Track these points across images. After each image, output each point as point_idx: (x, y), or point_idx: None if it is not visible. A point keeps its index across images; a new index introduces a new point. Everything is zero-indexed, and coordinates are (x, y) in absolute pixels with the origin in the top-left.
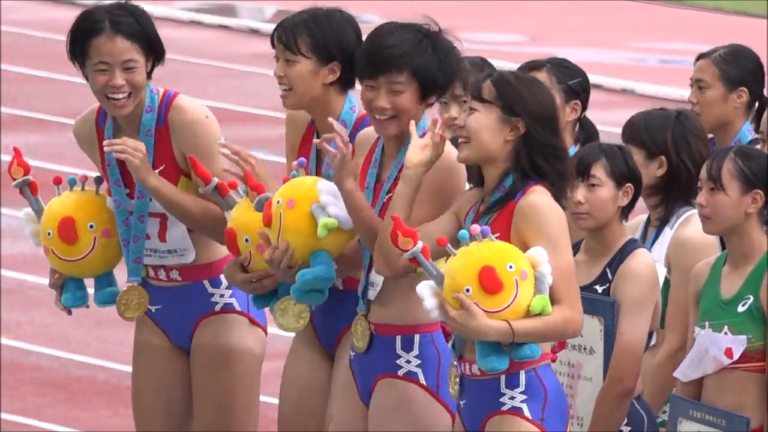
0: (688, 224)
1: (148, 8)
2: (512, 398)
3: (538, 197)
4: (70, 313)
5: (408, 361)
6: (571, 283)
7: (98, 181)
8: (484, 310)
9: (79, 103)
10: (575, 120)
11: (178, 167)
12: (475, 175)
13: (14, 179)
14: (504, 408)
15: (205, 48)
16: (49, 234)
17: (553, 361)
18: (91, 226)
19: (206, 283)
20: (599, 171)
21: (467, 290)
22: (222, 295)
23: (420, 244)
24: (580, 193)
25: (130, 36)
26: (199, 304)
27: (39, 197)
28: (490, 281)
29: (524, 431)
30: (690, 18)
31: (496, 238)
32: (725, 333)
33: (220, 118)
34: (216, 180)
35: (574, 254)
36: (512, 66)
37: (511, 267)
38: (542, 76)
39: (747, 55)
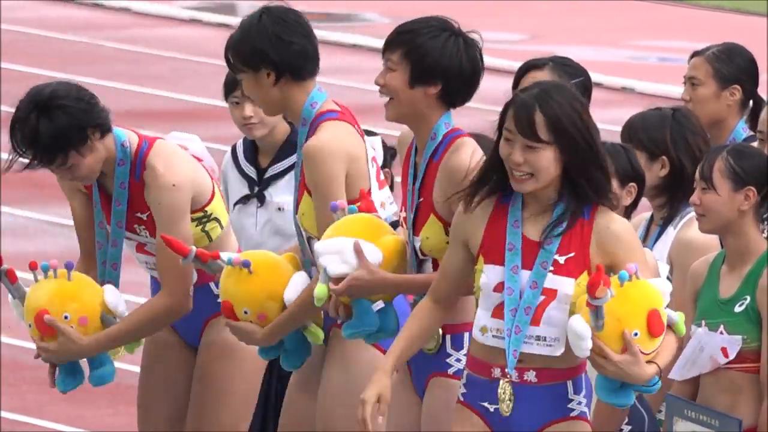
0: (692, 225)
1: (150, 7)
2: (579, 403)
3: (619, 220)
4: (64, 392)
5: (458, 360)
6: None
7: (69, 266)
8: (642, 353)
9: None
10: None
11: None
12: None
13: None
14: (573, 414)
15: (206, 46)
16: (29, 326)
17: None
18: (66, 317)
19: (212, 285)
20: None
21: (635, 334)
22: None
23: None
24: None
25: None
26: (207, 305)
27: (19, 283)
28: (657, 325)
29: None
30: (690, 16)
31: (572, 256)
32: (721, 333)
33: (219, 115)
34: (194, 249)
35: None
36: (515, 64)
37: (666, 308)
38: (544, 74)
39: (740, 53)
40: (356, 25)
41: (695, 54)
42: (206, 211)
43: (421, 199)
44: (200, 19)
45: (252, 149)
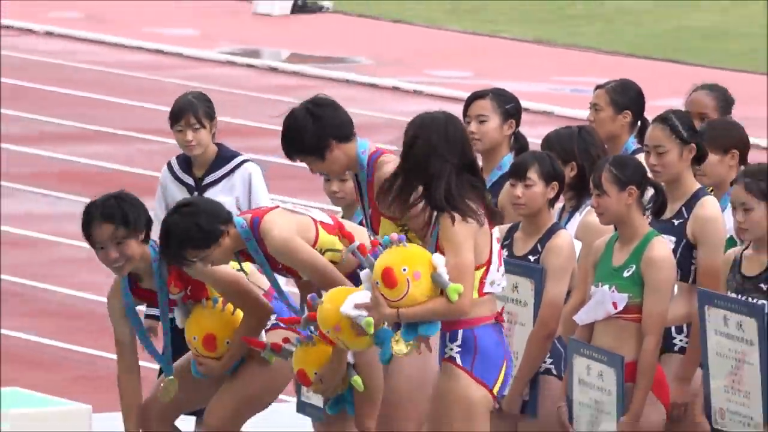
0: (592, 212)
1: (197, 52)
2: (451, 349)
3: (443, 224)
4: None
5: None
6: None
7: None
8: (386, 299)
9: (139, 121)
10: (511, 134)
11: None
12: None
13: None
14: (444, 356)
15: (238, 81)
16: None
17: (498, 321)
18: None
19: None
20: (533, 174)
21: (377, 283)
22: (270, 320)
23: (357, 242)
24: (519, 190)
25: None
26: None
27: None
28: (387, 280)
29: (452, 374)
30: (595, 59)
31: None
32: (613, 291)
33: (249, 132)
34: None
35: (514, 232)
36: (464, 94)
37: (404, 270)
38: (486, 102)
39: (632, 86)
40: (348, 65)
41: (598, 87)
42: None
43: (370, 209)
44: (233, 61)
45: (186, 163)
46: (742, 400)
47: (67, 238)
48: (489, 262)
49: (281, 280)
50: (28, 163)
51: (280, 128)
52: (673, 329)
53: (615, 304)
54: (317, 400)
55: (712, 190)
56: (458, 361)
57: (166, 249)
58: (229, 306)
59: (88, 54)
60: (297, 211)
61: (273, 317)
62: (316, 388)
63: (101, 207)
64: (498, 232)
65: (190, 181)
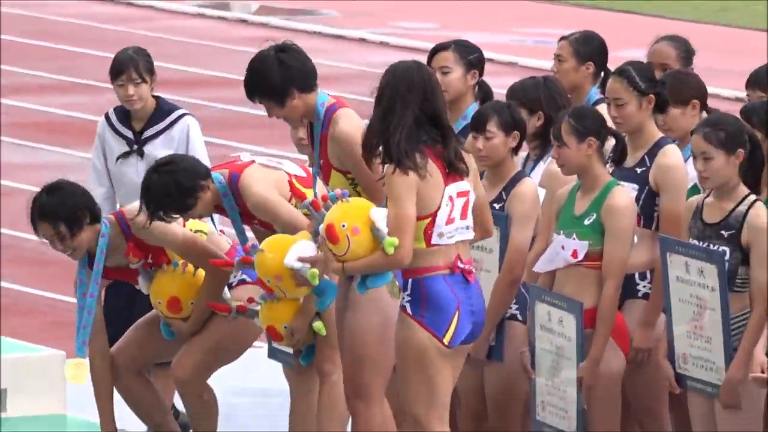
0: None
1: (167, 5)
2: (403, 299)
3: (388, 178)
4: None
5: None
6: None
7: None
8: (333, 254)
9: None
10: (475, 84)
11: None
12: None
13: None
14: (400, 305)
15: (207, 33)
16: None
17: (452, 272)
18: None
19: None
20: (492, 126)
21: (323, 239)
22: (235, 276)
23: (310, 199)
24: (480, 143)
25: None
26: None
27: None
28: (329, 235)
29: (404, 323)
30: (559, 11)
31: None
32: (574, 239)
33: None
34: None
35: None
36: (428, 45)
37: (344, 226)
38: (449, 54)
39: (594, 37)
40: (316, 17)
41: (562, 38)
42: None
43: (322, 161)
44: (203, 13)
45: (124, 115)
46: (704, 345)
47: None
48: (434, 215)
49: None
50: (5, 113)
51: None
52: (636, 275)
53: (575, 252)
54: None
55: (676, 141)
56: (408, 309)
57: (147, 208)
58: (190, 268)
59: (62, 7)
60: (272, 166)
61: (239, 274)
62: (287, 342)
63: (39, 207)
64: (469, 184)
65: (129, 134)
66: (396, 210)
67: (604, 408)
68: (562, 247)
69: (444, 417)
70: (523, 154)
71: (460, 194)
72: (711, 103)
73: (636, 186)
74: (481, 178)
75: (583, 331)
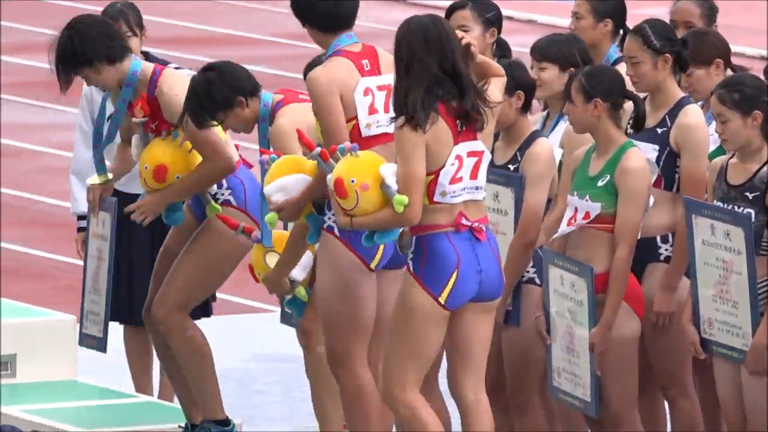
0: None
1: None
2: (407, 255)
3: (396, 133)
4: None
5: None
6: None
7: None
8: (342, 208)
9: None
10: (493, 42)
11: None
12: None
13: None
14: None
15: None
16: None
17: (458, 231)
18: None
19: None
20: None
21: (332, 192)
22: (222, 194)
23: (319, 149)
24: None
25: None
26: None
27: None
28: (338, 190)
29: (406, 279)
30: None
31: None
32: (587, 200)
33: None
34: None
35: (495, 142)
36: (445, 4)
37: (353, 181)
38: (466, 12)
39: None
40: None
41: None
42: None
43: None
44: None
45: None
46: (730, 310)
47: (53, 148)
48: (437, 173)
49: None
50: (13, 72)
51: (267, 36)
52: (658, 238)
53: (587, 215)
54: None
55: (700, 102)
56: (411, 267)
57: (186, 105)
58: (187, 143)
59: None
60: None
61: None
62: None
63: (57, 49)
64: (482, 145)
65: None
66: (405, 168)
67: (617, 374)
68: (575, 209)
69: (421, 372)
70: (543, 113)
71: (471, 154)
72: (736, 62)
73: (656, 147)
74: (497, 139)
75: (595, 296)
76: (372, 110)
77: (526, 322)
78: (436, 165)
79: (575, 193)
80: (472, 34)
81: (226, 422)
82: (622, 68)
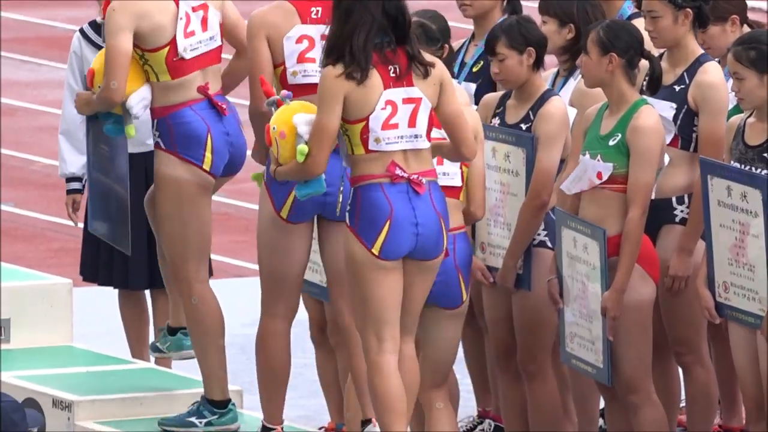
0: None
1: None
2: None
3: None
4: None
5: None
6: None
7: None
8: (275, 157)
9: None
10: None
11: None
12: None
13: None
14: None
15: None
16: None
17: (393, 182)
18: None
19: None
20: (501, 48)
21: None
22: (155, 134)
23: (275, 97)
24: (495, 67)
25: None
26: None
27: None
28: (266, 138)
29: (345, 232)
30: None
31: None
32: (598, 160)
33: None
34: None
35: (507, 100)
36: None
37: (273, 128)
38: None
39: None
40: None
41: None
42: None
43: None
44: None
45: (100, 28)
46: (746, 274)
47: (48, 107)
48: (367, 119)
49: None
50: (9, 28)
51: None
52: (673, 199)
53: (600, 174)
54: (315, 277)
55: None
56: (347, 218)
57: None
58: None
59: None
60: None
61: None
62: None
63: None
64: (419, 92)
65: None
66: (317, 117)
67: (631, 339)
68: (586, 168)
69: (381, 332)
70: (553, 69)
71: (407, 101)
72: (753, 18)
73: (674, 105)
74: (509, 98)
75: (608, 258)
76: (302, 59)
77: (537, 287)
78: (365, 111)
79: (587, 152)
80: None
81: (223, 404)
82: (639, 24)
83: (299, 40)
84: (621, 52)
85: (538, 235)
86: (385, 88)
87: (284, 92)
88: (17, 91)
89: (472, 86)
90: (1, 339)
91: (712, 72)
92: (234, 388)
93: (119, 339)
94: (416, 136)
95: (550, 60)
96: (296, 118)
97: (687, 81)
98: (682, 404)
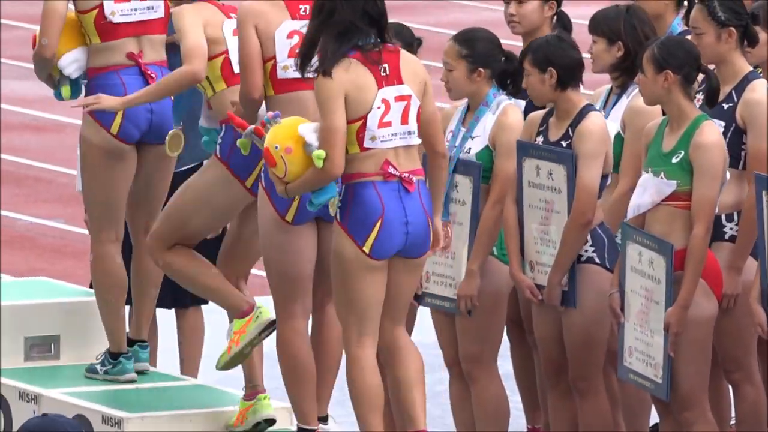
0: (640, 95)
1: None
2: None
3: None
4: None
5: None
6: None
7: None
8: (279, 178)
9: None
10: (552, 15)
11: None
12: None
13: None
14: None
15: None
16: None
17: (385, 180)
18: None
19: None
20: (527, 64)
21: (267, 166)
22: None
23: (252, 127)
24: (524, 82)
25: None
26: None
27: None
28: (268, 160)
29: (335, 228)
30: None
31: None
32: (661, 178)
33: None
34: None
35: (550, 118)
36: None
37: (276, 147)
38: None
39: None
40: None
41: None
42: None
43: None
44: None
45: None
46: None
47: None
48: (365, 117)
49: None
50: None
51: None
52: (723, 217)
53: (663, 192)
54: None
55: (761, 72)
56: (338, 215)
57: None
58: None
59: None
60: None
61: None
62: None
63: None
64: (409, 89)
65: None
66: (323, 121)
67: (690, 355)
68: (650, 186)
69: (363, 327)
70: (603, 87)
71: (398, 98)
72: None
73: (722, 122)
74: (551, 115)
75: (674, 273)
76: (293, 53)
77: (585, 303)
78: (362, 111)
79: (649, 170)
80: (528, 6)
81: (116, 356)
82: None
83: (290, 36)
84: (676, 69)
85: (585, 251)
86: (379, 88)
87: (271, 113)
88: (64, 107)
89: (522, 103)
90: (50, 355)
91: (760, 89)
92: (283, 405)
93: (169, 355)
94: (409, 133)
95: (602, 77)
96: (301, 128)
97: (735, 99)
98: (732, 422)
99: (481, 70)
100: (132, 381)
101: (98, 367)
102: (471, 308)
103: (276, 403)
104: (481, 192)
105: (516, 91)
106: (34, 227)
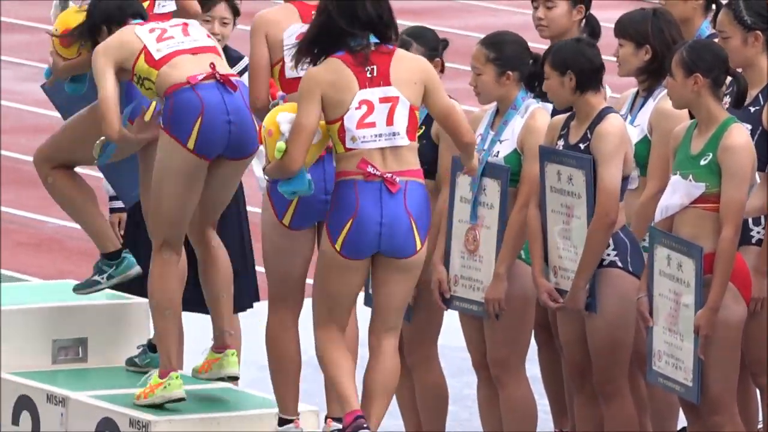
0: (666, 98)
1: None
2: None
3: None
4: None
5: None
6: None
7: None
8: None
9: None
10: (580, 19)
11: None
12: None
13: None
14: None
15: None
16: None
17: (366, 179)
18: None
19: None
20: (546, 66)
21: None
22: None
23: (279, 99)
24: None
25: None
26: None
27: None
28: (258, 137)
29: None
30: None
31: None
32: (690, 180)
33: None
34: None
35: (571, 121)
36: None
37: (263, 128)
38: None
39: None
40: None
41: None
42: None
43: None
44: None
45: None
46: None
47: None
48: (342, 118)
49: None
50: None
51: None
52: (750, 221)
53: (692, 195)
54: None
55: None
56: (327, 218)
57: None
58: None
59: None
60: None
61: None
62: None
63: None
64: (397, 90)
65: None
66: (296, 116)
67: (719, 358)
68: (678, 189)
69: (331, 317)
70: (629, 91)
71: (383, 99)
72: None
73: (749, 126)
74: (572, 119)
75: (703, 277)
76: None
77: (608, 308)
78: (340, 112)
79: (678, 172)
80: (557, 10)
81: (116, 255)
82: None
83: (298, 38)
84: (705, 72)
85: (608, 255)
86: (360, 88)
87: (279, 93)
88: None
89: (549, 106)
90: (78, 358)
91: None
92: (310, 408)
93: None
94: (394, 134)
95: (629, 81)
96: (279, 116)
97: (762, 102)
98: (760, 425)
99: (510, 73)
100: (139, 273)
101: (97, 278)
102: (499, 312)
103: (303, 406)
104: (509, 195)
105: (544, 94)
106: (62, 230)
